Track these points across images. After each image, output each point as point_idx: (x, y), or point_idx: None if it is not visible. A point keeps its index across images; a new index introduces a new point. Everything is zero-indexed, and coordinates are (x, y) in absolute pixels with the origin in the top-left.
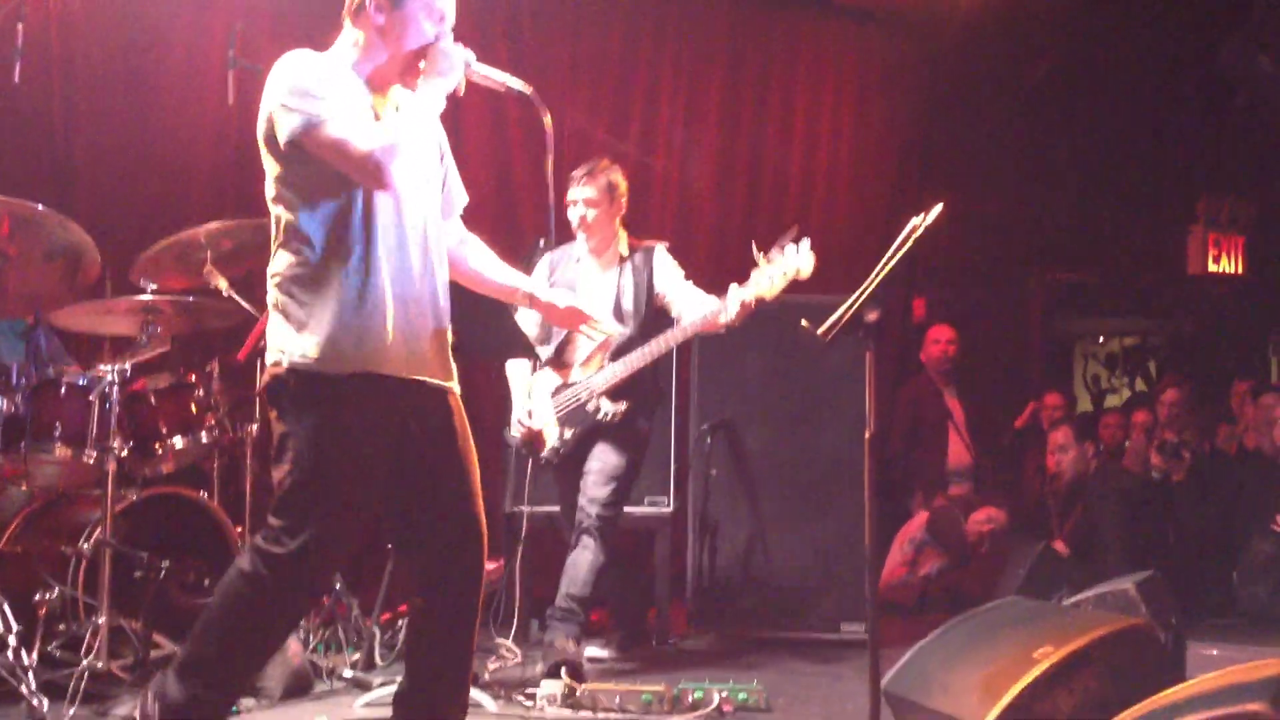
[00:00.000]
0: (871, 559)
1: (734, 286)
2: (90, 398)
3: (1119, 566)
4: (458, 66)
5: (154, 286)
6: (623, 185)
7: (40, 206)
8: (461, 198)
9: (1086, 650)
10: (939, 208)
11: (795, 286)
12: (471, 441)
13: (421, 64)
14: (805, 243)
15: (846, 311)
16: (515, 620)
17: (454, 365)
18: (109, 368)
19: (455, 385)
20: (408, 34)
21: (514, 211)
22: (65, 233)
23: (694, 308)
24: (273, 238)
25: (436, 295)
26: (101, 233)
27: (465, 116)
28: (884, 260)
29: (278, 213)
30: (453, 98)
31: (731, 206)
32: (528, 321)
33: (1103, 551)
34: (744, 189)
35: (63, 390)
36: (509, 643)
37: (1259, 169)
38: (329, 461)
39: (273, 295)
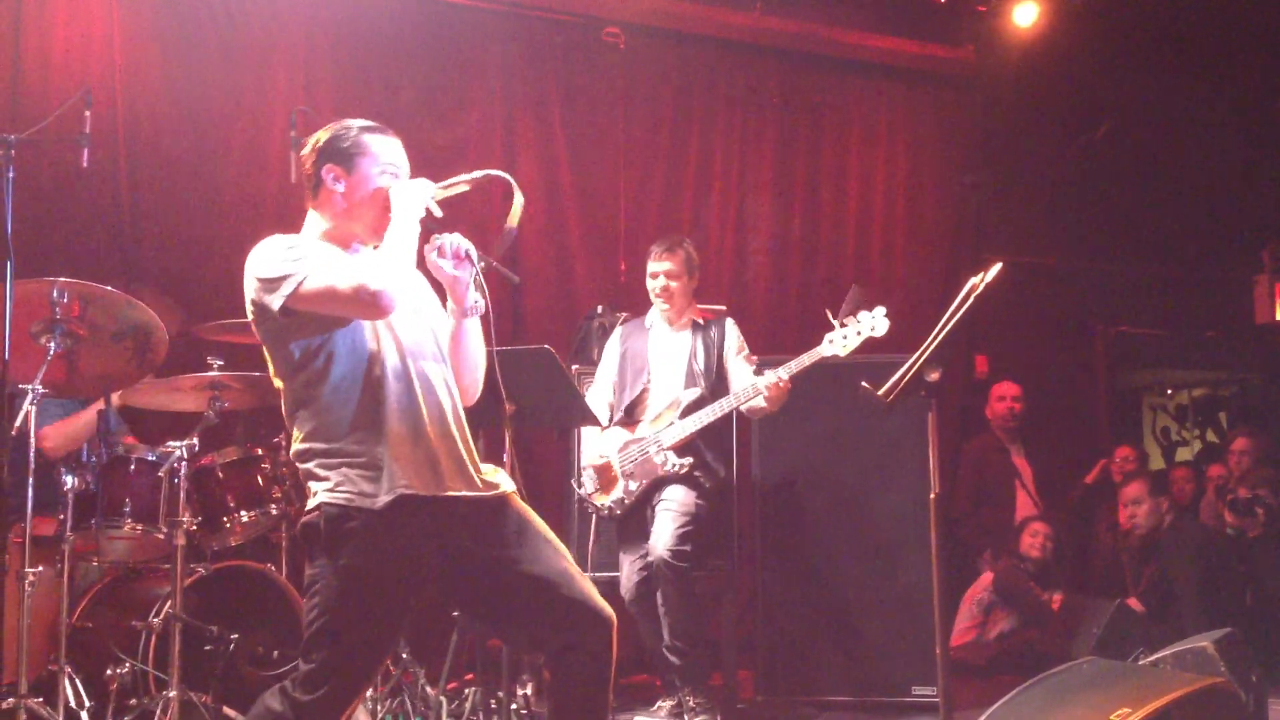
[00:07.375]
0: (940, 620)
1: (767, 372)
2: (159, 474)
3: (1196, 623)
4: (421, 196)
5: (220, 363)
6: (696, 257)
7: (109, 288)
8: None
9: (1166, 711)
10: (998, 267)
11: (859, 346)
12: (548, 531)
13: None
14: (880, 310)
15: (907, 372)
16: None
17: (495, 470)
18: (178, 444)
19: (506, 486)
20: (369, 190)
21: (569, 278)
22: (133, 312)
23: (738, 381)
24: (285, 414)
25: (446, 414)
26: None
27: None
28: (944, 320)
29: (284, 387)
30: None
31: (788, 271)
32: (598, 403)
33: (1179, 608)
34: (799, 253)
35: (132, 467)
36: None
37: None
38: (354, 601)
39: (300, 463)
